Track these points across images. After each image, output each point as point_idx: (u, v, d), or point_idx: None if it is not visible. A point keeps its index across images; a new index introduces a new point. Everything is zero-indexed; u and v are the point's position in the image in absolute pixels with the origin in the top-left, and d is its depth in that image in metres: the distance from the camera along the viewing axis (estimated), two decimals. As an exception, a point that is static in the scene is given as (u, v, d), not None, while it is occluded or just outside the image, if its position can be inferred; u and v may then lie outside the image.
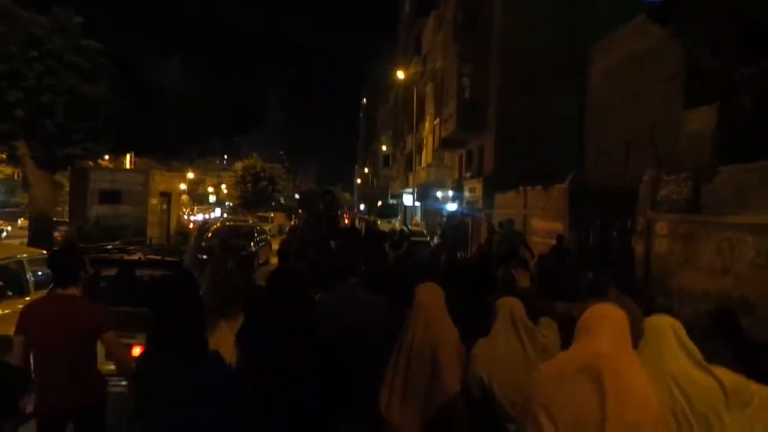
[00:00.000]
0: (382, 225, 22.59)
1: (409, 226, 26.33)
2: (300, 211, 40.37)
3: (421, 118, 32.28)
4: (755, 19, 7.88)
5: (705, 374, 2.26)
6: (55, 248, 10.16)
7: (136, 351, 3.99)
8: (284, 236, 14.21)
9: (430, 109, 29.66)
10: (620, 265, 9.07)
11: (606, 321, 2.08)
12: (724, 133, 9.57)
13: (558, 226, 11.86)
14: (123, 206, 17.15)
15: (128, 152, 23.89)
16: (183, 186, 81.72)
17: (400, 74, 35.33)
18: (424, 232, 23.85)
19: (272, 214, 33.42)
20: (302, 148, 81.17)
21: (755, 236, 6.32)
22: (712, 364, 2.31)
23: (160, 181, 18.64)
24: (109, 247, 7.95)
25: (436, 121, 27.49)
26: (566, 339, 3.09)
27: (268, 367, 3.07)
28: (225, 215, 40.91)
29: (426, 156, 32.02)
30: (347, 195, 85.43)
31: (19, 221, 25.54)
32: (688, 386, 2.23)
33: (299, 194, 66.24)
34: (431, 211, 30.54)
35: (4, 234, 25.86)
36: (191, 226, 30.59)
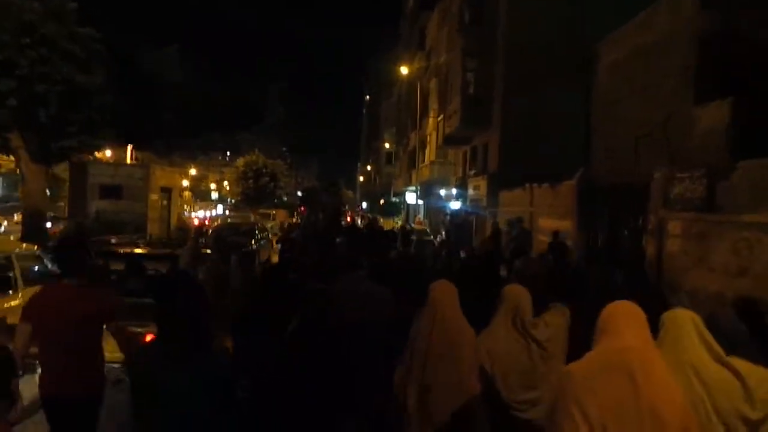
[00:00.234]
0: (385, 223, 22.36)
1: (412, 224, 26.10)
2: (302, 208, 40.24)
3: (424, 114, 32.00)
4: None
5: (724, 367, 2.28)
6: (50, 243, 10.05)
7: (149, 339, 4.09)
8: (286, 229, 13.90)
9: (433, 105, 29.38)
10: (631, 264, 8.81)
11: (627, 317, 2.13)
12: (738, 128, 9.32)
13: (566, 225, 11.60)
14: (123, 201, 16.94)
15: (126, 145, 23.54)
16: (185, 182, 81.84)
17: (404, 70, 35.04)
18: (428, 230, 23.60)
19: (274, 212, 33.16)
20: (304, 145, 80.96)
21: (775, 236, 6.07)
22: (734, 357, 2.32)
23: (160, 176, 18.41)
24: (114, 241, 8.25)
25: (440, 118, 27.21)
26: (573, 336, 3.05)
27: (265, 362, 3.12)
28: (227, 212, 40.74)
29: (429, 153, 31.76)
30: (350, 192, 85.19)
31: (15, 216, 25.39)
32: (708, 378, 2.25)
33: (302, 191, 66.09)
34: (435, 209, 30.29)
35: (2, 229, 25.65)
36: (196, 222, 30.35)
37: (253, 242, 15.20)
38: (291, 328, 3.49)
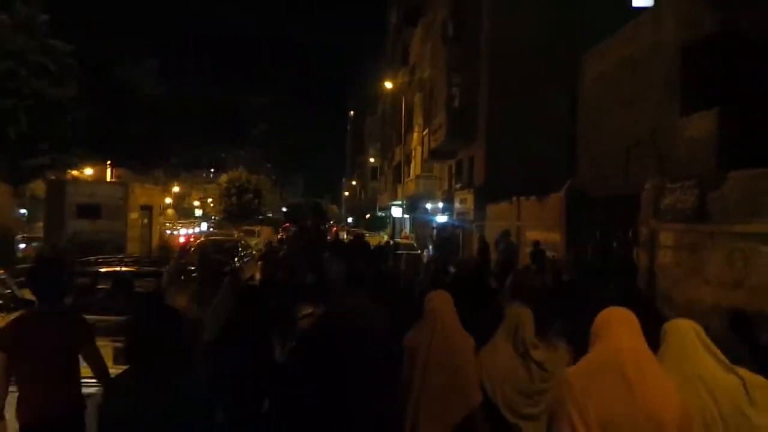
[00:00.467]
0: (371, 238, 22.13)
1: (397, 239, 25.87)
2: (287, 225, 39.85)
3: (409, 129, 31.98)
4: None
5: (730, 374, 2.30)
6: (22, 265, 9.70)
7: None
8: (268, 247, 13.58)
9: (418, 119, 29.38)
10: (622, 276, 8.64)
11: (620, 322, 2.19)
12: (725, 138, 9.28)
13: (554, 237, 11.46)
14: (102, 221, 16.45)
15: (102, 162, 22.94)
16: (168, 200, 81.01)
17: (388, 84, 35.07)
18: (414, 244, 23.40)
19: (258, 228, 32.71)
20: (289, 161, 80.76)
21: (771, 246, 5.93)
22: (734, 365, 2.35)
23: (140, 194, 17.96)
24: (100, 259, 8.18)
25: (425, 132, 27.18)
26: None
27: (241, 385, 3.13)
28: (210, 229, 40.16)
29: (415, 167, 31.69)
30: (335, 208, 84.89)
31: None
32: (715, 386, 2.26)
33: (287, 207, 65.64)
34: (421, 223, 30.14)
35: None
36: (182, 240, 29.73)
37: (236, 260, 14.85)
38: (285, 355, 3.47)
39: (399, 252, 12.95)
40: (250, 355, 3.31)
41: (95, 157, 20.14)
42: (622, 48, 13.42)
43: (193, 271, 8.65)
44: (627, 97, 13.04)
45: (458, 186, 22.43)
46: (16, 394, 3.32)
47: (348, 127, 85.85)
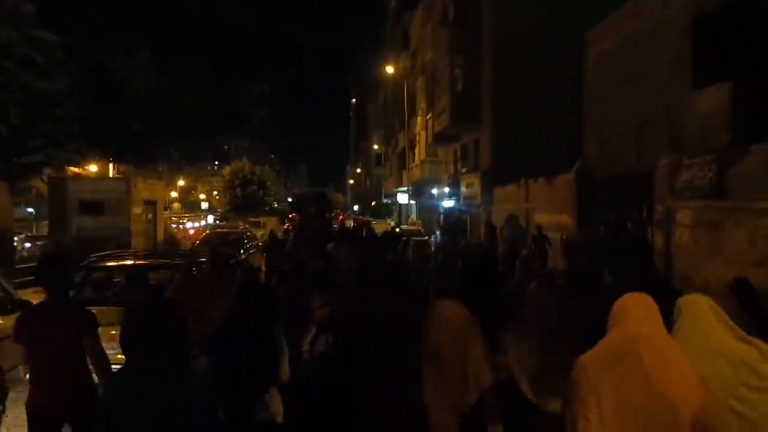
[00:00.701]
0: (377, 225, 21.93)
1: (403, 226, 25.66)
2: (292, 215, 39.67)
3: (412, 113, 31.61)
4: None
5: (747, 345, 2.28)
6: (22, 265, 9.61)
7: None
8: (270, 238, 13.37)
9: (421, 104, 29.00)
10: (638, 256, 8.38)
11: (638, 306, 2.18)
12: (739, 111, 8.98)
13: (565, 219, 11.19)
14: (105, 217, 16.28)
15: (101, 158, 22.51)
16: (174, 194, 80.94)
17: (389, 69, 34.63)
18: (422, 230, 23.19)
19: (263, 219, 32.48)
20: (293, 151, 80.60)
21: (797, 222, 5.66)
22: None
23: (143, 188, 17.76)
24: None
25: (428, 116, 26.82)
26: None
27: (239, 383, 3.06)
28: (217, 222, 40.06)
29: (419, 153, 31.37)
30: (340, 196, 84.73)
31: None
32: (733, 357, 2.26)
33: (292, 197, 65.50)
34: (427, 209, 29.90)
35: None
36: (191, 232, 29.43)
37: (242, 252, 14.68)
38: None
39: (405, 239, 12.68)
40: (251, 345, 3.24)
41: (92, 152, 19.82)
42: (628, 24, 13.06)
43: (203, 263, 8.57)
44: (634, 74, 12.72)
45: (464, 170, 22.14)
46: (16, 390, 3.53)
47: (351, 115, 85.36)
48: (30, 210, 36.15)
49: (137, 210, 17.14)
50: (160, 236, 19.06)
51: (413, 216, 34.25)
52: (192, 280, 6.16)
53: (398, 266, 6.72)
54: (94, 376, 3.60)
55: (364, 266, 5.05)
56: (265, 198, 38.70)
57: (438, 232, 20.95)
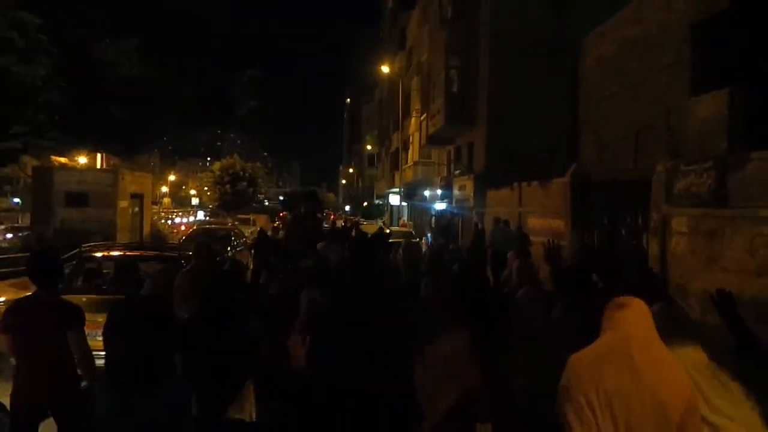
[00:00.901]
0: (368, 226, 21.70)
1: (394, 227, 25.43)
2: (283, 213, 39.39)
3: (406, 114, 31.43)
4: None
5: (699, 351, 2.30)
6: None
7: None
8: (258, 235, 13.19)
9: (416, 105, 28.81)
10: (633, 262, 8.21)
11: (631, 308, 2.21)
12: (738, 118, 8.86)
13: (558, 224, 11.02)
14: (90, 209, 15.92)
15: (82, 147, 21.93)
16: (165, 189, 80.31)
17: (385, 68, 34.42)
18: (413, 232, 22.98)
19: (253, 217, 32.12)
20: (286, 149, 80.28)
21: (799, 232, 5.49)
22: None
23: (130, 181, 17.40)
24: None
25: (422, 117, 26.63)
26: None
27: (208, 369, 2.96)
28: (207, 218, 39.67)
29: (412, 154, 31.19)
30: (332, 196, 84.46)
31: None
32: (690, 364, 2.26)
33: (283, 195, 65.11)
34: (419, 211, 29.72)
35: None
36: (183, 228, 28.93)
37: (229, 249, 14.41)
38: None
39: (392, 240, 12.41)
40: (221, 343, 3.11)
41: (73, 141, 19.36)
42: (627, 29, 12.95)
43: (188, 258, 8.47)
44: (632, 79, 12.60)
45: (457, 172, 21.96)
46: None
47: (345, 115, 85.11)
48: (16, 200, 35.64)
49: (123, 203, 16.78)
50: (147, 230, 18.69)
51: (404, 218, 34.07)
52: (168, 277, 6.02)
53: (387, 267, 6.58)
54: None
55: (353, 265, 4.86)
56: (255, 195, 38.35)
57: (429, 235, 20.77)
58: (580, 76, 15.24)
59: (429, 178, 26.52)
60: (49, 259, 3.85)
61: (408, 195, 30.83)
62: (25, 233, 14.57)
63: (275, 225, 28.06)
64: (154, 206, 47.45)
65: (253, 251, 12.35)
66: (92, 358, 3.56)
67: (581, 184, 10.50)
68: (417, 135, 29.11)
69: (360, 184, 63.28)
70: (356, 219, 33.25)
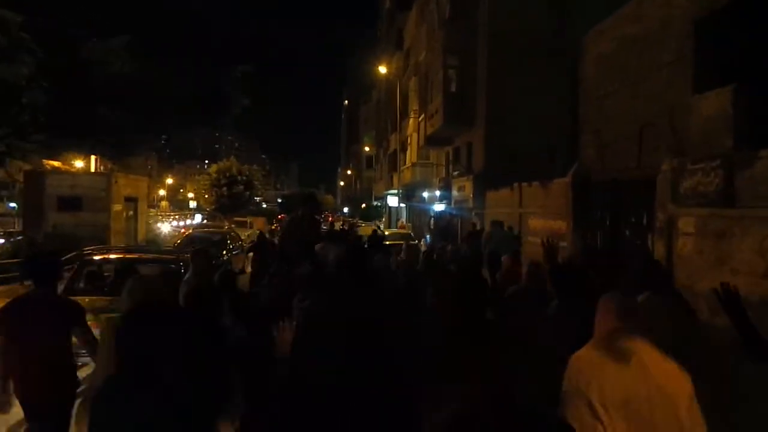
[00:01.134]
0: (365, 228, 21.50)
1: (393, 228, 25.24)
2: (281, 216, 39.12)
3: (404, 115, 31.22)
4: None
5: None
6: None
7: None
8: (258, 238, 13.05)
9: (413, 105, 28.60)
10: (643, 262, 7.99)
11: (621, 306, 2.29)
12: (743, 116, 8.65)
13: (560, 225, 10.80)
14: (83, 213, 15.65)
15: (70, 150, 21.36)
16: (162, 192, 79.88)
17: (382, 69, 34.20)
18: (411, 234, 22.76)
19: (250, 219, 31.82)
20: (285, 151, 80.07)
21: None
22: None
23: (125, 184, 17.14)
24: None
25: (420, 118, 26.42)
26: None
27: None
28: (205, 221, 39.42)
29: (410, 155, 30.98)
30: (330, 198, 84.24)
31: None
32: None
33: (281, 198, 64.86)
34: (418, 212, 29.50)
35: None
36: (183, 231, 28.61)
37: (224, 252, 14.18)
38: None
39: (390, 243, 12.21)
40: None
41: (62, 144, 18.94)
42: (627, 26, 12.77)
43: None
44: (633, 78, 12.41)
45: (456, 173, 21.75)
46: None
47: (342, 116, 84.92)
48: (12, 205, 35.36)
49: (117, 207, 16.52)
50: (141, 235, 18.43)
51: (403, 219, 33.85)
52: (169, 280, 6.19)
53: (384, 268, 6.44)
54: (79, 373, 3.83)
55: (349, 267, 4.80)
56: (252, 198, 38.07)
57: (428, 236, 20.55)
58: (580, 75, 15.05)
59: (427, 179, 26.31)
60: (48, 258, 3.88)
61: (406, 196, 30.61)
62: (18, 239, 14.31)
63: (273, 227, 27.84)
64: (152, 210, 47.18)
65: (251, 254, 12.23)
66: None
67: (583, 184, 10.28)
68: (415, 136, 28.90)
69: (358, 186, 63.08)
70: (353, 221, 33.02)
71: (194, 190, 71.74)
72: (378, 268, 6.44)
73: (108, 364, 3.23)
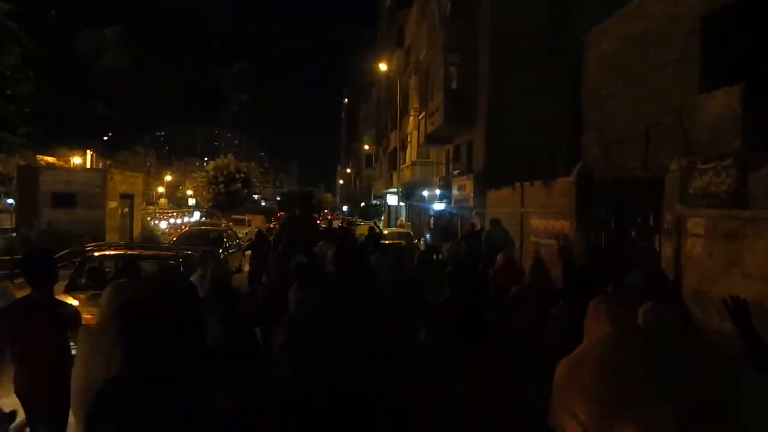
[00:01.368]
0: (362, 227, 21.30)
1: (379, 227, 25.05)
2: (280, 214, 38.90)
3: (404, 113, 31.01)
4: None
5: None
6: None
7: None
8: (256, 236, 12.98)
9: (414, 104, 28.39)
10: (642, 266, 7.77)
11: (608, 310, 2.29)
12: (752, 114, 8.46)
13: (563, 225, 10.58)
14: (78, 210, 15.41)
15: (61, 145, 20.92)
16: (161, 189, 79.62)
17: (383, 66, 33.97)
18: (411, 233, 22.56)
19: (248, 217, 31.57)
20: (285, 149, 79.96)
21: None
22: None
23: (120, 181, 16.88)
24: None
25: (421, 116, 26.21)
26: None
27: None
28: (203, 218, 39.18)
29: (410, 153, 30.77)
30: (329, 196, 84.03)
31: None
32: None
33: (280, 196, 64.66)
34: (417, 211, 29.30)
35: None
36: (183, 228, 28.31)
37: (221, 251, 13.95)
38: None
39: (390, 242, 12.04)
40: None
41: (52, 138, 18.54)
42: (631, 24, 12.58)
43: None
44: (635, 76, 12.22)
45: (456, 172, 21.54)
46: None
47: (342, 115, 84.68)
48: (10, 201, 35.13)
49: (113, 204, 16.27)
50: (137, 232, 18.18)
51: (403, 218, 33.65)
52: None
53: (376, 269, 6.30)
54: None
55: (348, 267, 4.75)
56: (250, 196, 37.81)
57: (428, 235, 20.36)
58: (582, 75, 14.87)
59: (427, 178, 26.11)
60: (42, 258, 3.87)
61: (406, 195, 30.40)
62: (11, 235, 14.08)
63: (271, 225, 27.60)
64: (150, 207, 46.89)
65: (250, 252, 12.20)
66: None
67: (586, 182, 10.07)
68: (415, 134, 28.69)
69: (358, 185, 62.88)
70: (352, 220, 32.80)
71: (193, 187, 71.51)
72: (375, 268, 6.29)
73: (91, 365, 3.23)
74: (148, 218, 25.62)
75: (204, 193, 36.80)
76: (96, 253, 8.11)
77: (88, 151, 23.48)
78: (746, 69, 8.77)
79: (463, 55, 19.45)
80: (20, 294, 4.10)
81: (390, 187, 36.70)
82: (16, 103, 12.31)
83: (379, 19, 52.18)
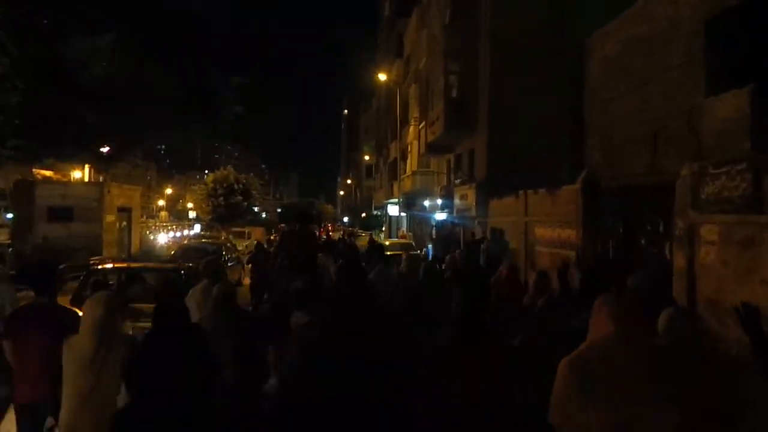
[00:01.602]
0: (362, 238, 21.08)
1: (379, 238, 24.82)
2: (281, 226, 38.67)
3: (404, 123, 30.87)
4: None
5: None
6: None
7: None
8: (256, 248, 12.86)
9: (414, 113, 28.24)
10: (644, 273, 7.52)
11: (614, 308, 2.32)
12: (759, 117, 8.24)
13: (569, 233, 10.33)
14: (75, 224, 15.18)
15: (51, 155, 20.56)
16: (161, 202, 79.49)
17: (382, 76, 33.86)
18: (412, 243, 22.29)
19: (248, 230, 31.27)
20: (285, 160, 79.98)
21: None
22: None
23: (118, 194, 16.67)
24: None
25: (421, 125, 26.04)
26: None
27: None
28: (203, 231, 38.96)
29: (411, 163, 30.59)
30: (330, 207, 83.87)
31: None
32: None
33: (281, 207, 64.48)
34: (419, 221, 29.05)
35: None
36: (184, 241, 27.97)
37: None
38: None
39: (391, 253, 11.80)
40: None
41: (43, 150, 18.25)
42: (634, 27, 12.42)
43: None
44: (638, 80, 12.04)
45: (458, 181, 21.31)
46: None
47: (342, 126, 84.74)
48: (10, 216, 34.97)
49: (110, 217, 16.05)
50: (135, 246, 17.92)
51: (404, 228, 33.40)
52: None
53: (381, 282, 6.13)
54: None
55: (348, 279, 4.63)
56: (250, 208, 37.58)
57: (430, 246, 20.11)
58: (584, 78, 14.68)
59: (428, 187, 25.89)
60: (45, 266, 4.09)
61: (407, 205, 30.17)
62: (6, 250, 13.83)
63: (272, 238, 27.38)
64: (151, 220, 46.66)
65: (250, 265, 12.17)
66: None
67: (593, 190, 9.83)
68: (415, 144, 28.52)
69: (358, 195, 62.72)
70: (353, 231, 32.57)
71: (193, 200, 71.36)
72: (378, 282, 6.08)
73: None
74: (147, 232, 25.37)
75: (203, 206, 36.59)
76: (100, 267, 8.43)
77: (86, 166, 23.21)
78: (750, 71, 8.59)
79: (463, 60, 19.31)
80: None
81: (391, 198, 36.50)
82: (3, 114, 12.10)
83: (379, 24, 52.20)
